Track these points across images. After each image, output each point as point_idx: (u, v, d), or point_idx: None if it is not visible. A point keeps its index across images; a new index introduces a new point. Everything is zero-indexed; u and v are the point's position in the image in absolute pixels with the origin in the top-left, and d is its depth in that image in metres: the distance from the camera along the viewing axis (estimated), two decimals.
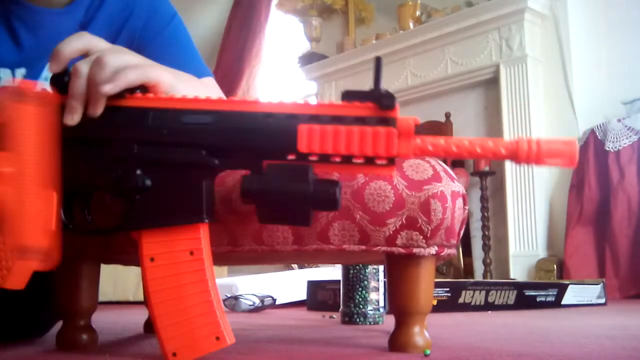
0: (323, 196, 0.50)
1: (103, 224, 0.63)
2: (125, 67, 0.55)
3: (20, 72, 0.79)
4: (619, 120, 2.65)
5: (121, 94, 0.54)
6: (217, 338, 0.52)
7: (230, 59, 4.48)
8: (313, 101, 0.52)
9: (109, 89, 0.54)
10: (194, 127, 0.52)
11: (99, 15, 0.84)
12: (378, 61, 0.49)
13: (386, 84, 3.62)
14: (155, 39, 0.88)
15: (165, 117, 0.53)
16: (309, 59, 3.93)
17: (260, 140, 0.51)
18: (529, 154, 0.48)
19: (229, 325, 0.53)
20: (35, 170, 0.53)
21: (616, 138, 2.63)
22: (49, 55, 0.80)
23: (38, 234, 0.53)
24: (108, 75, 0.54)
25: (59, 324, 0.76)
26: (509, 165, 2.91)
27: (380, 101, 0.49)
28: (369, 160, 0.50)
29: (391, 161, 0.50)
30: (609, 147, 2.64)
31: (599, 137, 2.68)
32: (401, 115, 0.50)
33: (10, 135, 0.53)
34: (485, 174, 2.95)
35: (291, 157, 0.51)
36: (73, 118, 0.55)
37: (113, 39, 0.84)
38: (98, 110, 0.54)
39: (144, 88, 0.56)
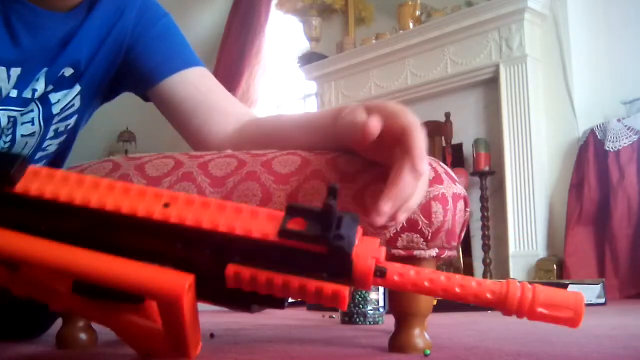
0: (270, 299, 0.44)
1: None
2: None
3: (16, 71, 0.78)
4: (619, 120, 2.65)
5: None
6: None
7: (230, 59, 4.48)
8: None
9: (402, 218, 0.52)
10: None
11: (90, 18, 0.84)
12: (332, 189, 0.39)
13: (386, 84, 3.62)
14: (147, 33, 0.88)
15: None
16: (309, 59, 3.93)
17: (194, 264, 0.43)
18: (521, 303, 0.41)
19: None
20: None
21: (616, 138, 2.63)
22: (46, 57, 0.79)
23: None
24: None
25: (59, 324, 0.76)
26: (509, 165, 2.91)
27: (332, 243, 0.38)
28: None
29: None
30: (609, 147, 2.64)
31: (599, 137, 2.69)
32: (364, 240, 0.42)
33: None
34: (485, 174, 2.95)
35: None
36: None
37: (103, 39, 0.85)
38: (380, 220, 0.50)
39: None
